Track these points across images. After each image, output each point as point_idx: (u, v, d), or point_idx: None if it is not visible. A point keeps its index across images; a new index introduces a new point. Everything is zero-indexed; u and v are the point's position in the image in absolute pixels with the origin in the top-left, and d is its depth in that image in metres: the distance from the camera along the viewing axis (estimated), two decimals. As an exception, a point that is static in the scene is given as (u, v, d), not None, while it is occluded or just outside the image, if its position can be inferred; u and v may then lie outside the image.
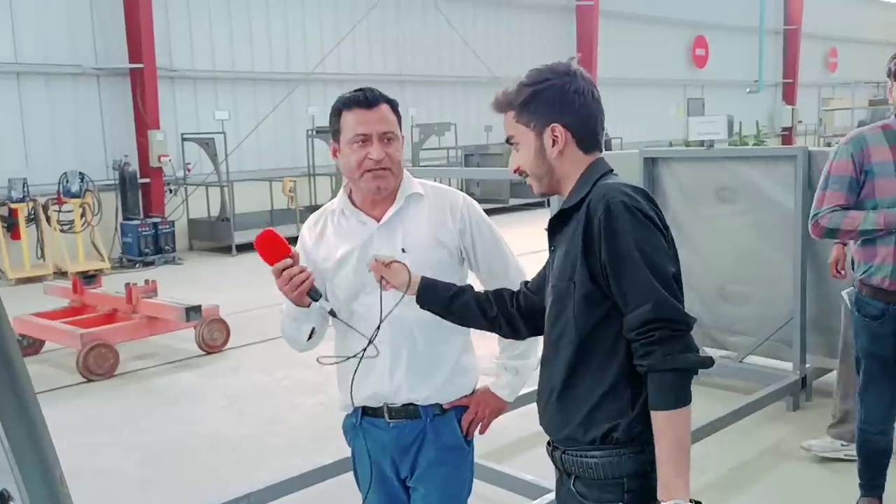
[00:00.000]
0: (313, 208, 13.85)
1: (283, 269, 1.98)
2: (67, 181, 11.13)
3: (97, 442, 4.89)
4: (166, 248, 11.79)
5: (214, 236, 12.79)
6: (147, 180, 12.54)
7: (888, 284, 3.04)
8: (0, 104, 11.42)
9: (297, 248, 2.20)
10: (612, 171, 1.80)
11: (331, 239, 2.18)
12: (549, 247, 1.85)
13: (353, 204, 2.17)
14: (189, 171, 13.06)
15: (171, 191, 12.96)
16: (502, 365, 2.29)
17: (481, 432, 2.28)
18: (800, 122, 25.56)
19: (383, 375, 2.14)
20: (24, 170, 11.30)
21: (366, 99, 2.08)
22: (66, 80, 12.03)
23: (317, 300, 2.03)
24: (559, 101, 1.73)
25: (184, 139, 12.84)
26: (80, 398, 5.80)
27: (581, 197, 1.72)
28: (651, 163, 5.37)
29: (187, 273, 11.11)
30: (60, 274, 10.69)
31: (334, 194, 3.51)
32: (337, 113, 2.10)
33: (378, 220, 2.14)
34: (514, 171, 1.85)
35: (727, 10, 23.20)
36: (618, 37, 20.69)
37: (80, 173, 11.23)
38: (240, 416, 5.33)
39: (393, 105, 2.12)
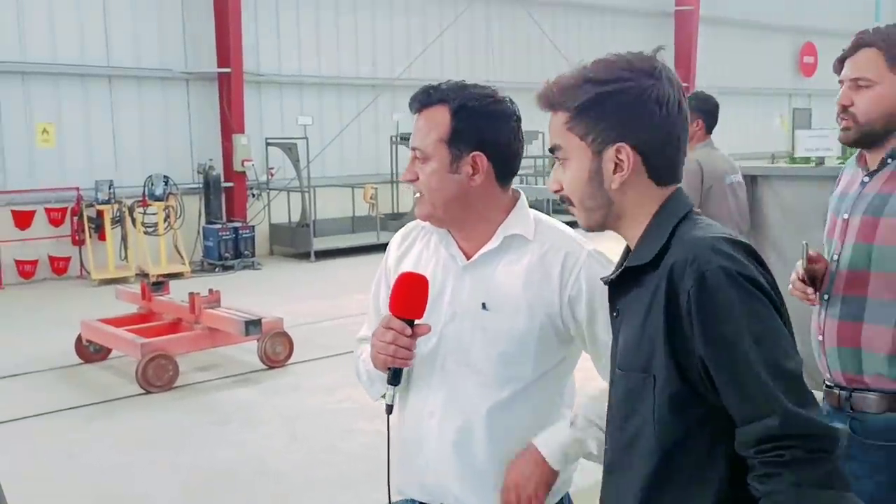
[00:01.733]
0: (395, 216, 13.78)
1: (399, 331, 1.60)
2: (152, 184, 11.24)
3: (143, 460, 4.68)
4: (246, 252, 11.75)
5: (294, 242, 12.70)
6: (230, 184, 12.56)
7: None
8: (92, 106, 11.64)
9: (381, 266, 1.87)
10: (693, 209, 1.33)
11: (412, 261, 1.79)
12: (611, 310, 1.40)
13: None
14: (272, 175, 13.03)
15: (253, 195, 12.96)
16: (578, 419, 1.67)
17: None
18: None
19: (426, 459, 1.72)
20: (112, 171, 11.47)
21: (413, 100, 1.70)
22: (156, 84, 12.17)
23: (393, 384, 1.64)
24: (632, 112, 1.28)
25: (268, 144, 12.81)
26: (137, 410, 5.65)
27: (656, 252, 1.26)
28: (750, 181, 4.79)
29: (265, 279, 11.02)
30: (143, 276, 10.76)
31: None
32: None
33: (468, 258, 1.72)
34: (555, 192, 1.40)
35: (838, 16, 21.82)
36: (718, 44, 19.70)
37: (165, 176, 11.32)
38: (292, 440, 5.03)
39: (452, 106, 1.64)
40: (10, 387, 6.24)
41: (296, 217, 12.88)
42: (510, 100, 1.72)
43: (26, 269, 10.87)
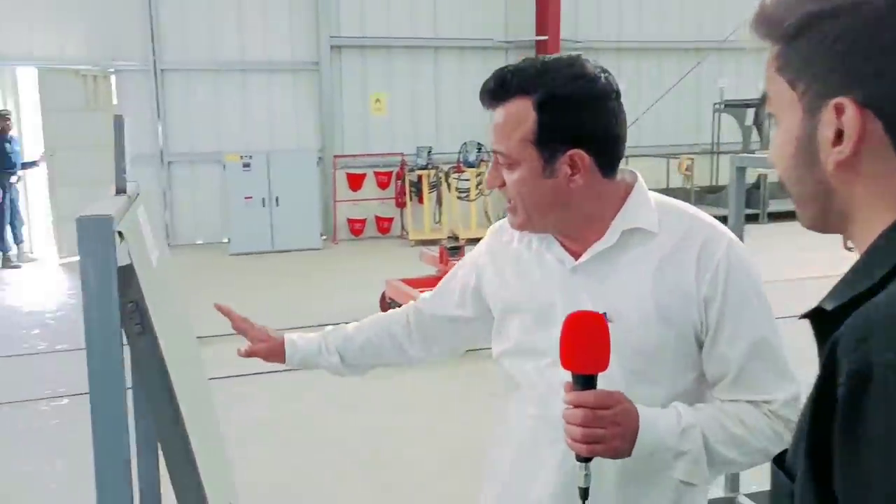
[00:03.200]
0: (712, 189, 12.88)
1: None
2: (466, 151, 11.69)
3: (413, 424, 4.84)
4: (552, 221, 11.76)
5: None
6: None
7: None
8: (419, 77, 12.39)
9: (470, 256, 1.64)
10: None
11: (511, 264, 1.52)
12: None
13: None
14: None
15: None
16: (692, 432, 1.31)
17: (582, 452, 1.25)
18: None
19: (538, 497, 1.46)
20: (432, 138, 12.15)
21: (484, 92, 1.38)
22: (476, 54, 12.60)
23: (584, 461, 1.26)
24: (864, 50, 0.75)
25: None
26: (415, 372, 5.87)
27: (877, 279, 0.73)
28: None
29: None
30: (453, 238, 11.28)
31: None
32: None
33: (577, 258, 1.42)
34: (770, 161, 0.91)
35: None
36: None
37: (478, 144, 11.70)
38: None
39: (535, 98, 1.31)
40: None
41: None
42: (603, 71, 1.35)
43: (356, 227, 11.99)
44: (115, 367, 1.56)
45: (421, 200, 11.82)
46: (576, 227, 1.41)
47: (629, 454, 1.27)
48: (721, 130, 12.96)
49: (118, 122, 1.98)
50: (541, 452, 1.45)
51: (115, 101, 11.26)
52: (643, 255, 1.38)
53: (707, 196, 12.10)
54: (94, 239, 1.56)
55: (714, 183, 13.17)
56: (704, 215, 1.43)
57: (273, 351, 1.74)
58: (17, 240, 10.41)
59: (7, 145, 9.99)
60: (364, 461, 4.38)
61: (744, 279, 1.35)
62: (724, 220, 1.86)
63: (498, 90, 1.35)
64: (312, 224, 11.27)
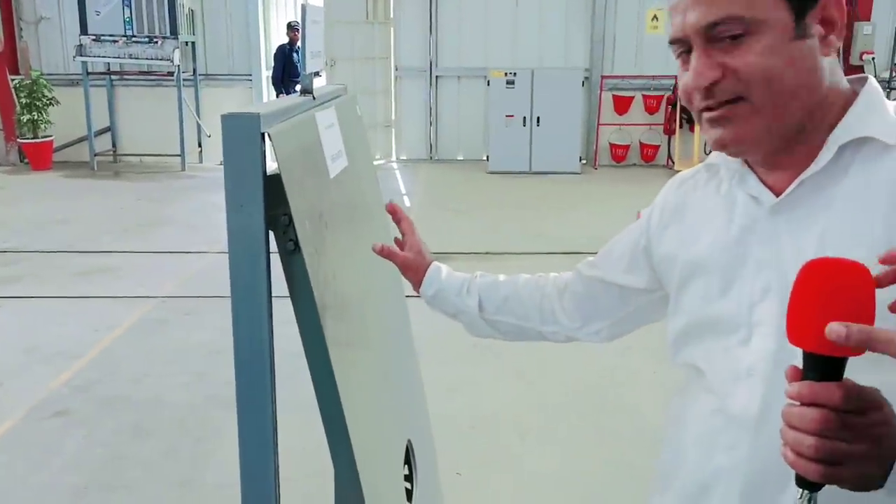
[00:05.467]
0: None
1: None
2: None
3: (628, 368, 4.44)
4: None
5: None
6: (843, 80, 11.05)
7: None
8: None
9: (643, 219, 1.26)
10: None
11: (692, 215, 1.15)
12: None
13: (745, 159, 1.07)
14: (897, 73, 11.06)
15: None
16: None
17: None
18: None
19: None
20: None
21: None
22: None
23: (810, 490, 0.82)
24: None
25: (900, 34, 10.82)
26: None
27: None
28: None
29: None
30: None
31: None
32: None
33: (778, 195, 1.02)
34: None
35: None
36: None
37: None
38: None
39: None
40: (553, 262, 6.59)
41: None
42: None
43: (619, 153, 11.42)
44: (258, 285, 1.41)
45: (692, 128, 10.92)
46: (798, 140, 0.99)
47: (878, 485, 0.81)
48: None
49: (303, 11, 1.79)
50: (715, 460, 1.07)
51: (391, 15, 11.55)
52: (871, 181, 0.95)
53: None
54: (237, 139, 1.40)
55: None
56: None
57: (415, 266, 1.46)
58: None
59: (295, 55, 10.66)
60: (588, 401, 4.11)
61: None
62: None
63: None
64: (573, 147, 10.89)
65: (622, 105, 11.16)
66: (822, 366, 0.78)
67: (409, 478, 2.02)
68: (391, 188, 9.77)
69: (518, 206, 8.87)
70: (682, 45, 1.00)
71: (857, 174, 0.96)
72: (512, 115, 10.75)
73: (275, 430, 1.39)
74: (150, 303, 5.56)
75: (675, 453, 1.16)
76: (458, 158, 11.80)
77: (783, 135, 0.98)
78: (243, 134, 1.39)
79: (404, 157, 11.91)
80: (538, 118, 10.75)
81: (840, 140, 0.96)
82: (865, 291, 0.77)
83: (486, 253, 6.77)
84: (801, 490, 0.81)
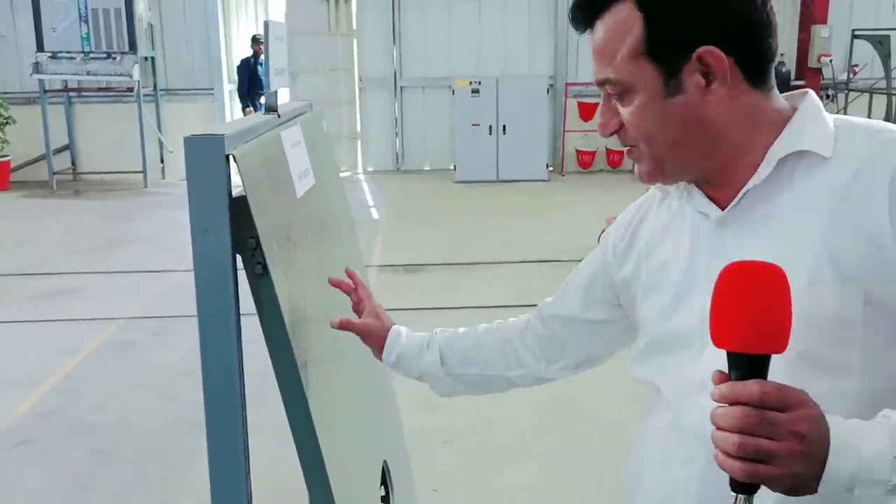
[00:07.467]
0: None
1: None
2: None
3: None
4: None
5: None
6: (801, 83, 11.24)
7: None
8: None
9: (600, 249, 1.27)
10: None
11: (647, 236, 1.17)
12: None
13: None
14: (854, 74, 11.26)
15: (828, 97, 11.42)
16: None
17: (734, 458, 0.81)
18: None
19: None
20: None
21: (575, 9, 1.08)
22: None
23: (744, 494, 0.83)
24: None
25: (854, 36, 11.03)
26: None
27: None
28: None
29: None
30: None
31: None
32: None
33: (724, 209, 1.04)
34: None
35: None
36: None
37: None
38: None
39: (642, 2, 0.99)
40: (529, 271, 6.59)
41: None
42: None
43: (585, 160, 11.53)
44: (226, 312, 1.36)
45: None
46: (721, 165, 1.02)
47: (812, 488, 0.81)
48: None
49: (266, 28, 1.75)
50: (672, 475, 1.07)
51: (354, 27, 11.51)
52: (810, 191, 0.97)
53: None
54: (201, 162, 1.35)
55: None
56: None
57: (375, 332, 1.42)
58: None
59: (259, 67, 10.58)
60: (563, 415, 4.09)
61: None
62: None
63: (578, 7, 1.06)
64: (539, 154, 10.93)
65: (587, 111, 11.23)
66: (744, 365, 0.81)
67: (385, 499, 1.98)
68: (358, 200, 9.71)
69: (488, 214, 8.86)
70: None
71: (798, 185, 0.99)
72: (478, 124, 10.76)
73: (247, 458, 1.35)
74: (114, 324, 5.44)
75: (637, 468, 1.16)
76: (425, 169, 11.78)
77: (704, 168, 1.03)
78: (207, 156, 1.34)
79: (371, 169, 11.86)
80: (504, 126, 10.77)
81: (778, 155, 0.99)
82: (781, 291, 0.81)
83: (460, 264, 6.75)
84: (735, 494, 0.82)
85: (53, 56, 10.21)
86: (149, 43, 10.86)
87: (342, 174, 11.40)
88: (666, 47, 0.98)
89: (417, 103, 11.70)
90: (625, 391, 4.20)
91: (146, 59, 10.89)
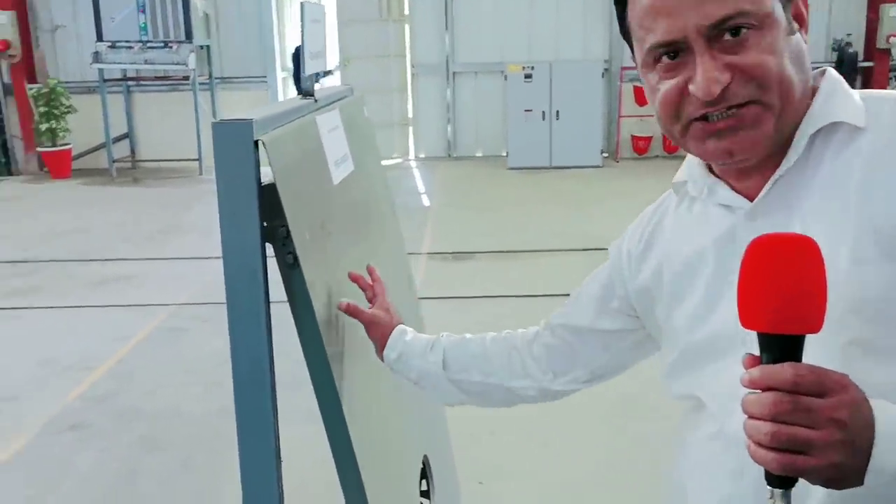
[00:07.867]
0: None
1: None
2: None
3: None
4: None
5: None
6: (869, 64, 10.79)
7: None
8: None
9: (613, 257, 1.20)
10: None
11: (666, 242, 1.08)
12: None
13: (712, 171, 1.01)
14: (926, 55, 10.77)
15: (894, 78, 10.96)
16: None
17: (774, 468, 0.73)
18: None
19: None
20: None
21: None
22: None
23: (782, 488, 0.75)
24: None
25: (927, 15, 10.54)
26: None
27: None
28: None
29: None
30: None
31: None
32: None
33: (752, 200, 0.96)
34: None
35: None
36: None
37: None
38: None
39: None
40: (580, 259, 6.46)
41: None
42: None
43: (640, 145, 11.27)
44: (255, 302, 1.31)
45: (715, 118, 10.74)
46: (789, 136, 0.94)
47: (857, 480, 0.73)
48: None
49: (302, 9, 1.69)
50: (722, 488, 0.98)
51: (406, 12, 11.45)
52: (846, 165, 0.90)
53: None
54: (229, 148, 1.31)
55: None
56: None
57: (381, 325, 1.38)
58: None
59: (310, 56, 10.57)
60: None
61: None
62: None
63: None
64: (594, 140, 10.72)
65: (643, 96, 10.95)
66: (776, 348, 0.74)
67: (426, 493, 1.93)
68: (409, 187, 9.67)
69: (540, 202, 8.74)
70: (670, 50, 0.91)
71: (831, 161, 0.91)
72: (531, 110, 10.60)
73: (278, 447, 1.30)
74: (166, 311, 5.50)
75: (680, 480, 1.08)
76: (477, 155, 11.68)
77: (786, 134, 0.93)
78: (235, 142, 1.30)
79: (422, 155, 11.81)
80: (557, 112, 10.59)
81: (809, 130, 0.92)
82: (810, 262, 0.73)
83: (510, 252, 6.66)
84: (771, 490, 0.74)
85: (112, 46, 10.38)
86: (204, 32, 10.96)
87: (393, 161, 11.38)
88: None
89: (470, 89, 11.59)
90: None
91: (202, 47, 11.00)
